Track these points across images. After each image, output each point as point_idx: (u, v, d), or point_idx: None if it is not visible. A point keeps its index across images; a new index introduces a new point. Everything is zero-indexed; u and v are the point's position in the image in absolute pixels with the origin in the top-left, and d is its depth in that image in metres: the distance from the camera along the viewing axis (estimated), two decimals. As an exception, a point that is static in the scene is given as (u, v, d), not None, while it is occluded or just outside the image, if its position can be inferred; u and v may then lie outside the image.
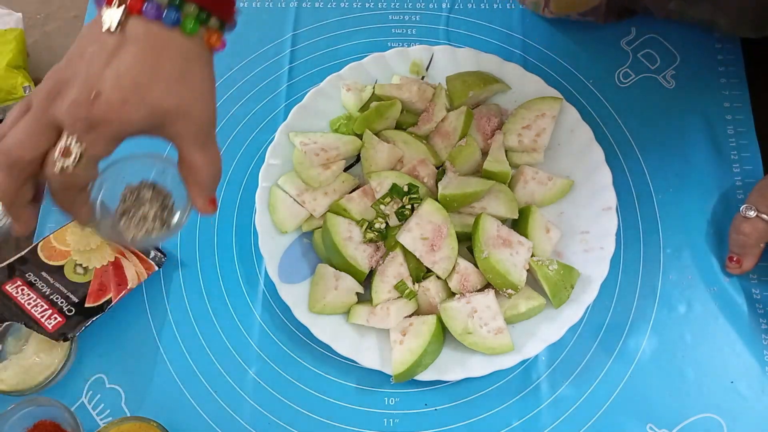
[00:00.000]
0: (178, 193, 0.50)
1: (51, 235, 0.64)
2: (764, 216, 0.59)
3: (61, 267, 0.62)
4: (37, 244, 0.63)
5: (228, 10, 0.48)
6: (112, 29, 0.42)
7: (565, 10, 0.72)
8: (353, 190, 0.64)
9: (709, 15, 0.66)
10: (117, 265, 0.63)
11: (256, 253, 0.65)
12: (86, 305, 0.60)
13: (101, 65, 0.42)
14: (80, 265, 0.62)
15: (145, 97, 0.42)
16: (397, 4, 0.78)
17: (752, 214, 0.59)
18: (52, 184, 0.43)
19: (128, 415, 0.60)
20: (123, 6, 0.42)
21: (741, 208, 0.60)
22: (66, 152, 0.42)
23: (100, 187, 0.48)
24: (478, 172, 0.65)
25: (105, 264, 0.62)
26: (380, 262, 0.60)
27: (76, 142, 0.41)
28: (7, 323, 0.60)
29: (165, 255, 0.65)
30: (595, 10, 0.70)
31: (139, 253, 0.64)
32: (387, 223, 0.61)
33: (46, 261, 0.62)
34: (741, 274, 0.62)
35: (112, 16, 0.42)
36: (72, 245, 0.63)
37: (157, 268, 0.64)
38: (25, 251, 0.63)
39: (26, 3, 0.78)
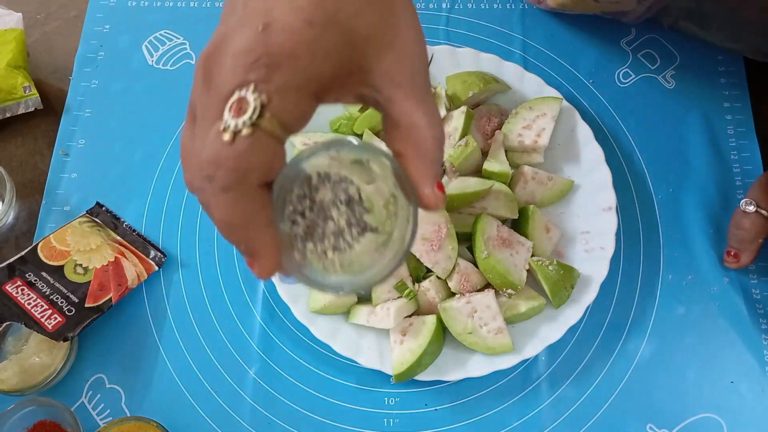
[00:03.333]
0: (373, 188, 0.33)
1: (51, 235, 0.64)
2: (764, 211, 0.59)
3: (61, 267, 0.62)
4: (37, 244, 0.63)
5: None
6: None
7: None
8: (353, 190, 0.64)
9: (723, 41, 0.66)
10: (117, 265, 0.63)
11: (256, 253, 0.65)
12: (86, 305, 0.60)
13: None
14: (80, 265, 0.62)
15: (335, 15, 0.29)
16: (397, 4, 0.78)
17: (752, 209, 0.59)
18: (216, 183, 0.29)
19: (128, 415, 0.60)
20: None
21: (741, 203, 0.60)
22: (240, 105, 0.28)
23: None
24: (478, 172, 0.65)
25: (105, 264, 0.62)
26: (380, 262, 0.60)
27: (255, 91, 0.28)
28: (7, 323, 0.60)
29: (165, 255, 0.65)
30: (623, 14, 0.69)
31: (139, 253, 0.64)
32: (387, 223, 0.61)
33: (46, 261, 0.62)
34: (738, 268, 0.62)
35: None
36: (72, 245, 0.63)
37: (157, 268, 0.64)
38: (25, 251, 0.63)
39: (26, 3, 0.78)
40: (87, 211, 0.67)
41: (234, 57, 0.28)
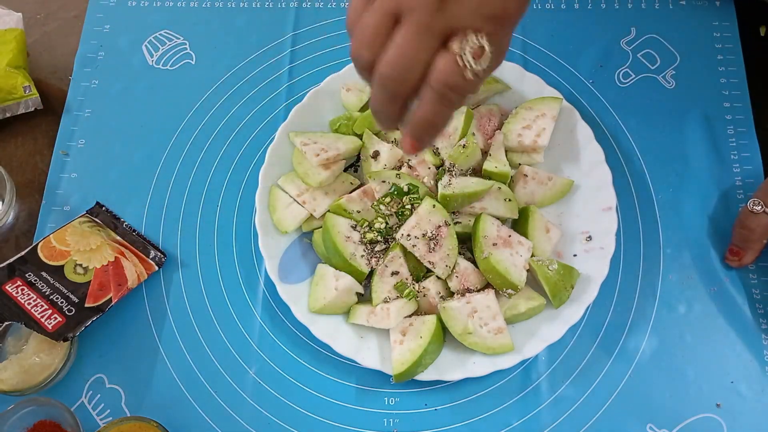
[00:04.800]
0: None
1: (51, 235, 0.64)
2: None
3: (61, 267, 0.62)
4: (37, 244, 0.63)
5: None
6: None
7: None
8: (353, 190, 0.64)
9: None
10: (117, 265, 0.63)
11: (256, 253, 0.65)
12: (86, 305, 0.60)
13: None
14: (80, 265, 0.62)
15: None
16: (397, 4, 0.78)
17: (759, 209, 0.59)
18: (435, 94, 0.38)
19: (128, 415, 0.60)
20: None
21: (748, 202, 0.60)
22: (479, 53, 0.36)
23: None
24: (478, 172, 0.65)
25: (105, 264, 0.62)
26: (380, 262, 0.60)
27: (489, 45, 0.36)
28: (7, 323, 0.60)
29: (165, 255, 0.65)
30: None
31: (139, 253, 0.64)
32: (387, 223, 0.61)
33: (46, 261, 0.62)
34: (739, 267, 0.62)
35: None
36: (72, 245, 0.63)
37: (157, 268, 0.64)
38: (25, 251, 0.63)
39: (26, 3, 0.78)
40: (87, 211, 0.67)
41: (479, 5, 0.36)
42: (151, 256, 0.64)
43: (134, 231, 0.66)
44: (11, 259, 0.62)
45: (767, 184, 0.61)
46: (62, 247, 0.63)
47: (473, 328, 0.57)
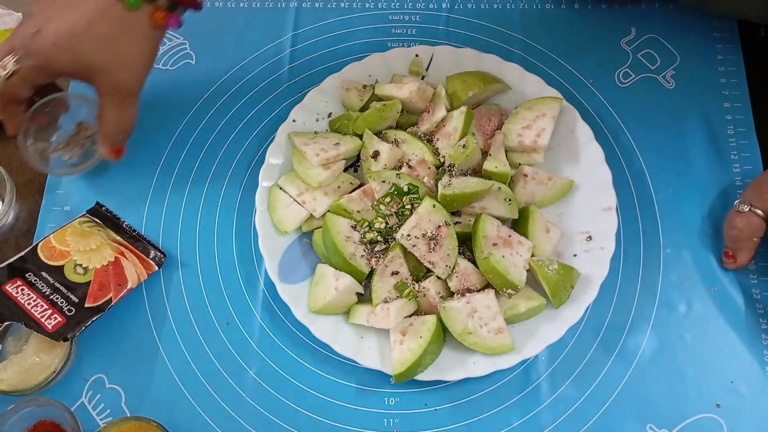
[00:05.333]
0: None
1: (51, 235, 0.64)
2: (757, 211, 0.59)
3: (61, 267, 0.62)
4: (37, 244, 0.63)
5: None
6: None
7: None
8: (353, 190, 0.64)
9: (746, 8, 0.65)
10: (117, 265, 0.63)
11: (256, 253, 0.65)
12: (86, 305, 0.60)
13: (55, 12, 0.53)
14: (80, 265, 0.62)
15: (74, 47, 0.53)
16: (397, 4, 0.78)
17: (746, 208, 0.59)
18: None
19: (128, 415, 0.60)
20: None
21: (735, 203, 0.60)
22: (2, 65, 0.54)
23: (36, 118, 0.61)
24: (478, 172, 0.65)
25: (105, 264, 0.62)
26: (380, 262, 0.60)
27: (15, 62, 0.54)
28: (7, 323, 0.60)
29: (165, 255, 0.65)
30: None
31: (139, 253, 0.64)
32: (387, 223, 0.61)
33: (46, 261, 0.62)
34: (737, 268, 0.62)
35: None
36: (72, 245, 0.63)
37: (157, 268, 0.64)
38: (25, 251, 0.63)
39: (26, 3, 0.78)
40: (87, 211, 0.67)
41: (20, 33, 0.54)
42: (151, 256, 0.64)
43: (134, 231, 0.66)
44: (11, 259, 0.62)
45: (753, 184, 0.61)
46: (62, 247, 0.63)
47: (473, 328, 0.57)
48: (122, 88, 0.57)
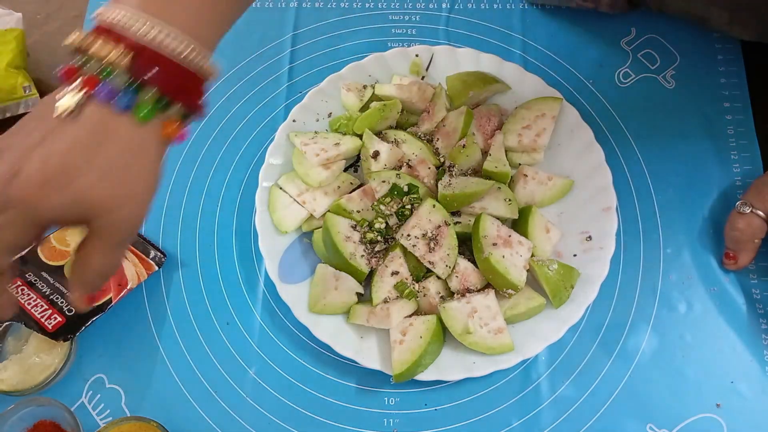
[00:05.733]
0: None
1: (51, 235, 0.64)
2: (759, 212, 0.59)
3: (61, 267, 0.62)
4: (37, 245, 0.63)
5: (195, 98, 0.43)
6: (63, 116, 0.38)
7: None
8: (353, 190, 0.64)
9: (702, 11, 0.65)
10: None
11: (256, 253, 0.65)
12: None
13: (35, 143, 0.38)
14: None
15: (71, 183, 0.37)
16: (397, 4, 0.78)
17: (747, 210, 0.59)
18: None
19: (128, 415, 0.60)
20: (83, 91, 0.38)
21: (736, 204, 0.60)
22: None
23: None
24: (478, 172, 0.65)
25: None
26: (380, 262, 0.60)
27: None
28: (7, 323, 0.60)
29: (165, 255, 0.65)
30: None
31: (139, 253, 0.64)
32: (387, 223, 0.61)
33: (46, 261, 0.62)
34: (738, 269, 0.62)
35: (67, 101, 0.38)
36: (72, 245, 0.63)
37: (157, 268, 0.64)
38: (25, 251, 0.63)
39: (26, 3, 0.78)
40: None
41: None
42: (151, 256, 0.64)
43: None
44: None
45: (754, 185, 0.61)
46: (62, 247, 0.63)
47: (473, 328, 0.57)
48: (126, 228, 0.41)
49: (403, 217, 0.61)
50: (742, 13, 0.64)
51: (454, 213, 0.63)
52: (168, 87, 0.40)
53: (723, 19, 0.65)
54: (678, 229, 0.65)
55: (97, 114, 0.38)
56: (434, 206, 0.60)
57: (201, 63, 0.41)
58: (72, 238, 0.64)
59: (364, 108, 0.68)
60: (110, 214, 0.39)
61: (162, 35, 0.39)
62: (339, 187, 0.64)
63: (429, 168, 0.64)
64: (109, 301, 0.61)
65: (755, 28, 0.66)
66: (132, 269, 0.63)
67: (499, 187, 0.62)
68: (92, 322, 0.60)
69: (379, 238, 0.61)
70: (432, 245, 0.59)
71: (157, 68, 0.39)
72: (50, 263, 0.62)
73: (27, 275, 0.61)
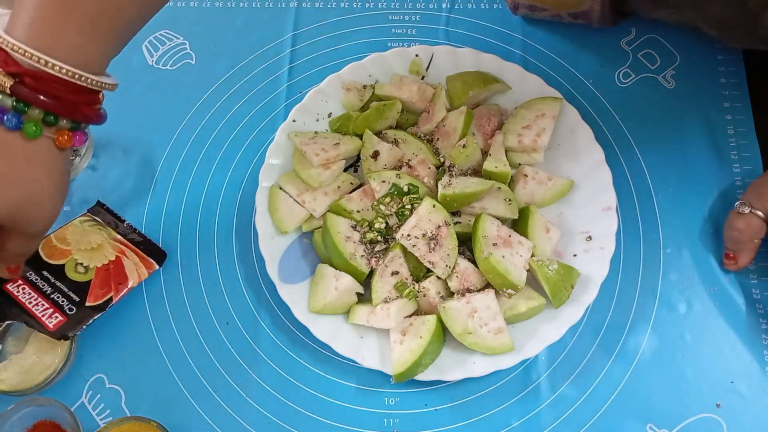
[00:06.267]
0: None
1: (52, 234, 0.64)
2: (758, 212, 0.59)
3: (62, 266, 0.62)
4: None
5: (83, 109, 0.48)
6: None
7: (554, 8, 0.71)
8: (353, 190, 0.64)
9: (694, 22, 0.66)
10: (118, 264, 0.63)
11: (256, 253, 0.65)
12: (87, 304, 0.60)
13: None
14: (81, 264, 0.62)
15: None
16: (397, 4, 0.78)
17: (746, 210, 0.59)
18: None
19: (128, 415, 0.60)
20: None
21: (735, 205, 0.60)
22: None
23: None
24: (478, 172, 0.65)
25: (106, 263, 0.62)
26: (380, 262, 0.60)
27: None
28: (7, 323, 0.60)
29: (165, 254, 0.65)
30: (586, 14, 0.70)
31: (140, 252, 0.64)
32: (387, 223, 0.61)
33: (47, 260, 0.62)
34: (737, 270, 0.62)
35: None
36: (73, 244, 0.63)
37: (157, 266, 0.64)
38: None
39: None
40: (88, 210, 0.67)
41: None
42: (151, 255, 0.64)
43: (135, 230, 0.67)
44: None
45: (753, 185, 0.61)
46: (63, 246, 0.63)
47: (473, 328, 0.57)
48: (37, 225, 0.50)
49: (403, 217, 0.61)
50: (731, 30, 0.64)
51: (454, 213, 0.63)
52: (53, 106, 0.45)
53: (713, 33, 0.66)
54: (678, 229, 0.65)
55: None
56: (434, 206, 0.60)
57: (88, 81, 0.46)
58: (73, 237, 0.64)
59: (364, 108, 0.68)
60: (13, 218, 0.47)
61: (43, 60, 0.43)
62: (339, 187, 0.64)
63: (429, 168, 0.64)
64: (110, 300, 0.61)
65: (745, 41, 0.66)
66: (133, 268, 0.63)
67: (499, 187, 0.62)
68: (93, 321, 0.60)
69: (379, 238, 0.61)
70: (432, 245, 0.59)
71: (40, 93, 0.44)
72: (51, 262, 0.62)
73: (28, 274, 0.61)
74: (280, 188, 0.65)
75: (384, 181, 0.62)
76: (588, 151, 0.65)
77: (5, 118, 0.44)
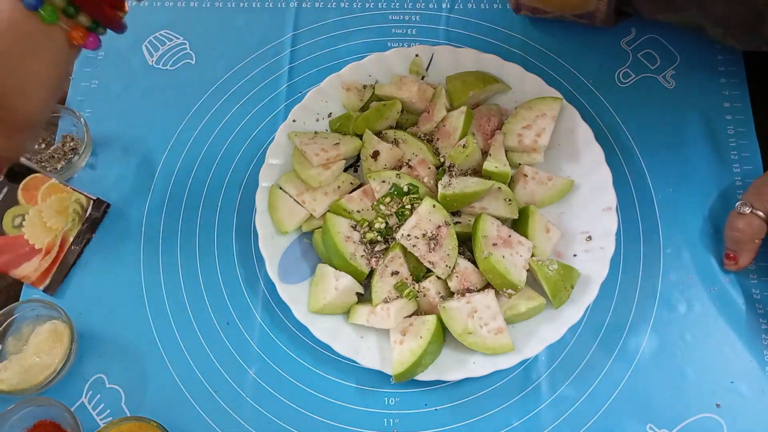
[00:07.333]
0: None
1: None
2: (759, 212, 0.59)
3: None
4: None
5: (107, 10, 0.47)
6: None
7: (558, 10, 0.71)
8: (353, 190, 0.64)
9: (697, 22, 0.66)
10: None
11: (256, 253, 0.65)
12: None
13: None
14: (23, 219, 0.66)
15: None
16: (397, 4, 0.78)
17: (747, 210, 0.59)
18: None
19: (128, 415, 0.60)
20: None
21: (736, 205, 0.60)
22: None
23: None
24: (478, 172, 0.65)
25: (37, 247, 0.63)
26: (380, 262, 0.60)
27: None
28: (7, 322, 0.60)
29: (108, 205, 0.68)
30: (590, 14, 0.70)
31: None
32: (387, 223, 0.61)
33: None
34: (738, 270, 0.62)
35: None
36: (44, 210, 0.63)
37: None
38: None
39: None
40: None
41: None
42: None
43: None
44: None
45: (754, 186, 0.61)
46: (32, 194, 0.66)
47: (473, 328, 0.57)
48: (20, 117, 0.46)
49: (403, 217, 0.61)
50: (735, 29, 0.64)
51: (454, 213, 0.63)
52: None
53: (717, 32, 0.66)
54: (678, 229, 0.65)
55: (8, 6, 0.42)
56: (434, 206, 0.60)
57: None
58: (48, 205, 0.64)
59: (364, 108, 0.68)
60: (3, 100, 0.44)
61: None
62: (339, 187, 0.64)
63: (429, 168, 0.64)
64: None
65: (748, 42, 0.66)
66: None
67: (499, 187, 0.62)
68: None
69: (379, 238, 0.61)
70: (432, 245, 0.59)
71: None
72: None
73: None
74: (280, 188, 0.65)
75: (384, 181, 0.62)
76: (588, 151, 0.65)
77: None
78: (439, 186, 0.61)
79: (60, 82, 0.47)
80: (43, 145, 0.70)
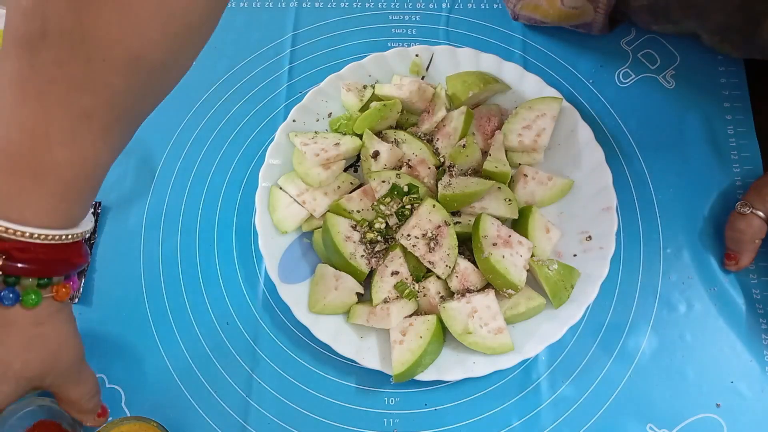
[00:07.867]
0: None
1: None
2: (759, 213, 0.59)
3: None
4: None
5: (74, 260, 0.48)
6: None
7: (556, 20, 0.71)
8: (353, 190, 0.64)
9: (694, 30, 0.66)
10: None
11: (256, 254, 0.65)
12: None
13: None
14: None
15: (6, 373, 0.46)
16: (397, 4, 0.78)
17: (747, 210, 0.60)
18: None
19: (128, 415, 0.60)
20: None
21: (736, 205, 0.61)
22: None
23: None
24: (478, 172, 0.65)
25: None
26: (380, 262, 0.60)
27: None
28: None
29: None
30: (587, 25, 0.70)
31: None
32: (387, 223, 0.61)
33: None
34: (738, 270, 0.62)
35: None
36: None
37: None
38: None
39: None
40: None
41: None
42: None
43: None
44: None
45: (754, 186, 0.61)
46: None
47: (473, 328, 0.57)
48: (70, 368, 0.51)
49: (403, 217, 0.61)
50: (732, 35, 0.64)
51: (454, 213, 0.63)
52: (45, 271, 0.46)
53: (714, 39, 0.66)
54: (678, 229, 0.65)
55: None
56: (434, 206, 0.60)
57: (74, 236, 0.46)
58: None
59: (364, 108, 0.68)
60: (49, 374, 0.49)
61: (28, 233, 0.43)
62: (339, 187, 0.64)
63: (429, 168, 0.64)
64: None
65: (745, 49, 0.66)
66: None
67: (499, 187, 0.62)
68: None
69: (379, 238, 0.61)
70: (432, 245, 0.59)
71: (30, 263, 0.44)
72: None
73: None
74: (280, 188, 0.65)
75: (384, 181, 0.62)
76: (588, 151, 0.65)
77: (1, 295, 0.44)
78: (439, 186, 0.61)
79: (74, 323, 0.51)
80: None
